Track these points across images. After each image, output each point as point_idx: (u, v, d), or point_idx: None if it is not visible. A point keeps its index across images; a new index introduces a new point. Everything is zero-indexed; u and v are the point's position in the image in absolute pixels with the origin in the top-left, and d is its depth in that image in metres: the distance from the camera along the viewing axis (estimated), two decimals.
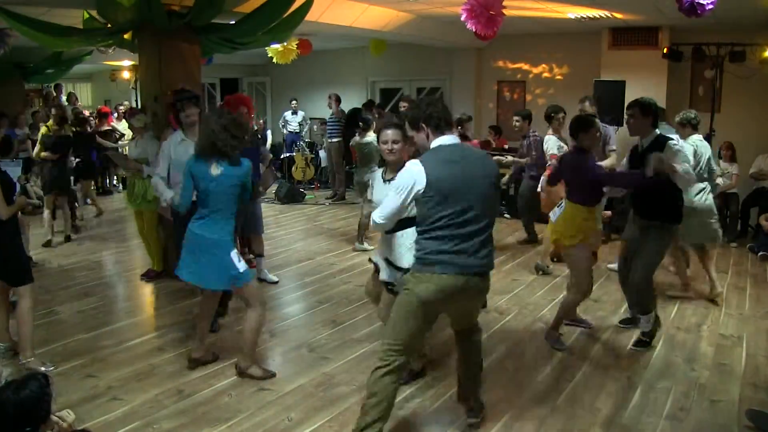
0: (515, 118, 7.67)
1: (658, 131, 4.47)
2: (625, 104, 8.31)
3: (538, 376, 4.17)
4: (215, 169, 3.82)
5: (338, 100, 11.29)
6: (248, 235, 5.91)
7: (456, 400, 3.64)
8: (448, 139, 3.12)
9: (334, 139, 11.07)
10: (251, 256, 6.01)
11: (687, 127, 5.67)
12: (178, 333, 4.84)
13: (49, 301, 5.54)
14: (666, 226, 4.47)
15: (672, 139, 4.43)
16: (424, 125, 3.13)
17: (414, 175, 2.99)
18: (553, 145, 6.55)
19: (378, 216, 3.12)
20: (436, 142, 3.11)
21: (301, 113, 12.47)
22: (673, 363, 4.36)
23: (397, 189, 3.02)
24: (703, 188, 5.51)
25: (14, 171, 4.50)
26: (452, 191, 2.97)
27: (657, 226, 4.45)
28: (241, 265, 3.93)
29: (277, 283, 6.07)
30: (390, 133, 3.54)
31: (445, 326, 4.95)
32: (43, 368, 4.09)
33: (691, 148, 5.39)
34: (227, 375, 4.13)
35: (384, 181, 3.72)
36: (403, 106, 7.52)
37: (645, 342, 4.62)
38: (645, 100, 4.47)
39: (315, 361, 4.38)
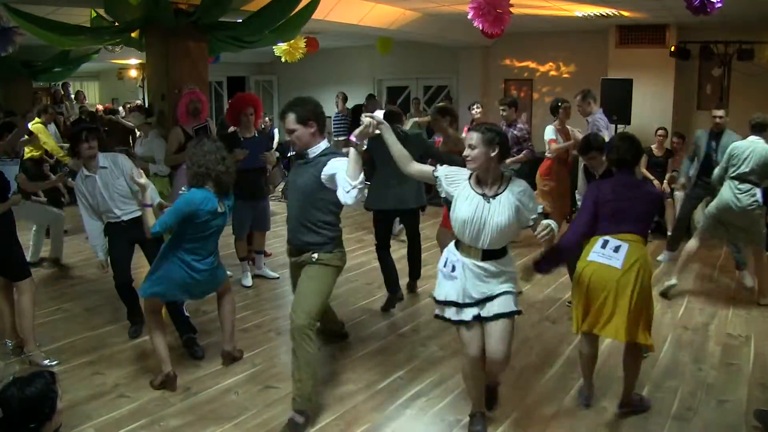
0: (500, 107, 7.09)
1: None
2: (632, 103, 8.40)
3: (544, 375, 4.16)
4: (222, 207, 3.79)
5: (345, 99, 11.31)
6: (254, 230, 5.92)
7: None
8: None
9: (341, 137, 11.10)
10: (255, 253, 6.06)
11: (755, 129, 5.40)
12: None
13: (57, 298, 5.57)
14: None
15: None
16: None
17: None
18: (550, 132, 6.59)
19: None
20: None
21: None
22: (680, 362, 4.34)
23: None
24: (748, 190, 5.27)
25: (11, 170, 4.54)
26: None
27: None
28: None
29: (278, 278, 6.08)
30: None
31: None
32: (46, 362, 4.16)
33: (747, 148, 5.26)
34: (234, 373, 4.14)
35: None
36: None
37: None
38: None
39: (321, 359, 4.38)
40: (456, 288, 3.10)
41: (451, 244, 3.21)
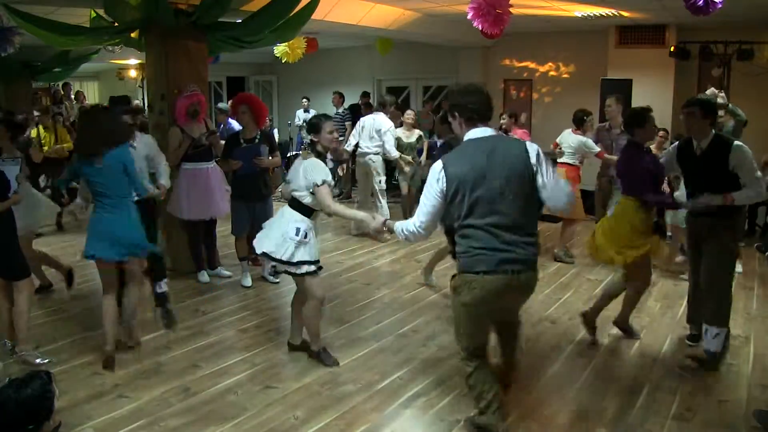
0: (501, 117, 7.58)
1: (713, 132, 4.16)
2: (632, 103, 8.40)
3: (544, 375, 4.16)
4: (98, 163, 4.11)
5: (341, 98, 11.34)
6: (257, 232, 5.90)
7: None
8: (481, 131, 3.03)
9: (339, 137, 11.06)
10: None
11: None
12: (184, 331, 4.84)
13: (57, 298, 5.56)
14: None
15: (734, 139, 4.14)
16: (456, 114, 3.06)
17: (435, 174, 3.01)
18: (591, 143, 6.62)
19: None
20: (466, 136, 3.05)
21: (313, 112, 12.47)
22: (679, 362, 4.34)
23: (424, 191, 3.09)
24: None
25: (12, 169, 4.55)
26: (473, 186, 2.92)
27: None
28: None
29: (278, 283, 6.06)
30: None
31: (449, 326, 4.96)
32: (38, 360, 4.18)
33: None
34: (233, 373, 4.14)
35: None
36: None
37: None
38: (705, 98, 4.33)
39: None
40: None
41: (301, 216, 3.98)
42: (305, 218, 4.03)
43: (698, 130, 4.10)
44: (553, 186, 3.03)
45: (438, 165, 3.03)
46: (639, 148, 4.38)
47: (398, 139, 7.92)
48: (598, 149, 6.61)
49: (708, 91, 5.87)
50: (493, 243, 2.91)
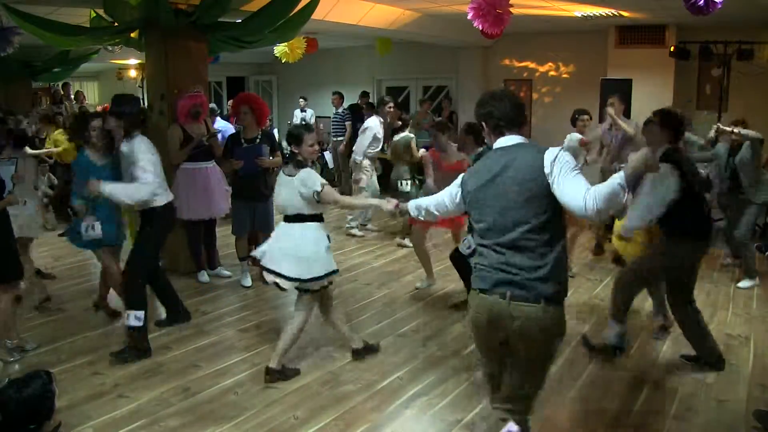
0: None
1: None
2: (632, 102, 8.40)
3: None
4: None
5: (341, 98, 11.33)
6: (257, 231, 5.91)
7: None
8: (506, 140, 2.78)
9: (339, 137, 11.08)
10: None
11: None
12: (184, 331, 4.85)
13: (56, 298, 5.56)
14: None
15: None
16: (483, 124, 2.87)
17: (457, 182, 3.00)
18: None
19: None
20: (495, 145, 2.82)
21: (309, 111, 12.48)
22: (680, 363, 4.34)
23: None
24: None
25: (7, 170, 4.55)
26: (478, 201, 2.77)
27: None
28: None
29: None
30: None
31: (452, 324, 4.96)
32: (11, 359, 4.22)
33: None
34: (233, 373, 4.14)
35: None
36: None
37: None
38: (670, 111, 4.28)
39: (321, 359, 4.38)
40: None
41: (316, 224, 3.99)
42: (319, 224, 4.01)
43: (657, 142, 4.07)
44: (570, 187, 2.57)
45: (460, 177, 2.98)
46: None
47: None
48: (577, 137, 6.46)
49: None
50: (497, 262, 2.69)
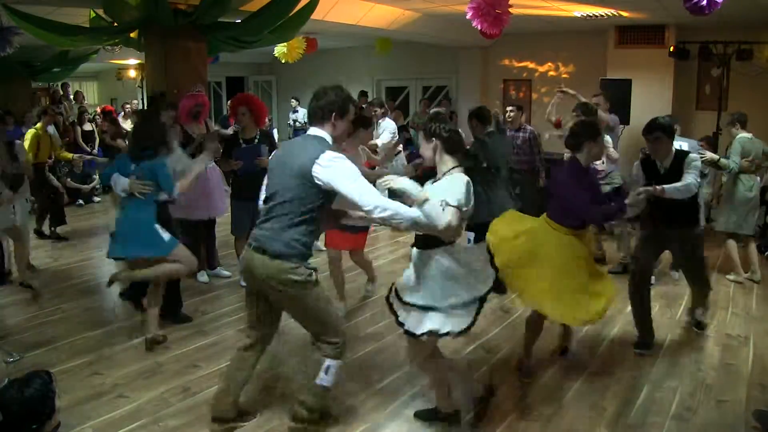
0: (509, 108, 7.32)
1: (674, 148, 4.37)
2: (632, 103, 8.41)
3: (543, 374, 4.16)
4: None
5: None
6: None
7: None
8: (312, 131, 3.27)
9: None
10: None
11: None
12: (183, 331, 4.85)
13: (56, 298, 5.56)
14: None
15: (689, 152, 4.40)
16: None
17: None
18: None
19: None
20: None
21: (302, 111, 12.45)
22: (679, 363, 4.34)
23: None
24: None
25: None
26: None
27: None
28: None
29: None
30: None
31: None
32: (11, 359, 4.21)
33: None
34: None
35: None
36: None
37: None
38: (666, 122, 4.30)
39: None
40: None
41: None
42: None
43: (665, 153, 4.29)
44: None
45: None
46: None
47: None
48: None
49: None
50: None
